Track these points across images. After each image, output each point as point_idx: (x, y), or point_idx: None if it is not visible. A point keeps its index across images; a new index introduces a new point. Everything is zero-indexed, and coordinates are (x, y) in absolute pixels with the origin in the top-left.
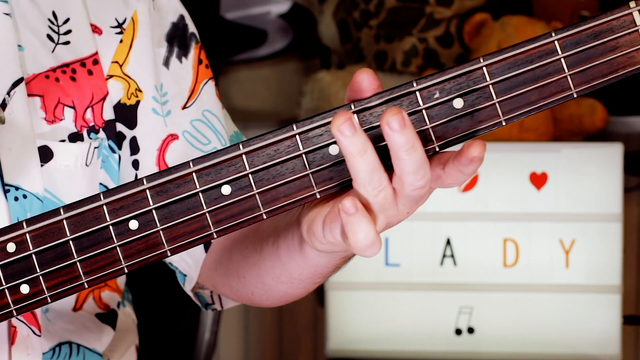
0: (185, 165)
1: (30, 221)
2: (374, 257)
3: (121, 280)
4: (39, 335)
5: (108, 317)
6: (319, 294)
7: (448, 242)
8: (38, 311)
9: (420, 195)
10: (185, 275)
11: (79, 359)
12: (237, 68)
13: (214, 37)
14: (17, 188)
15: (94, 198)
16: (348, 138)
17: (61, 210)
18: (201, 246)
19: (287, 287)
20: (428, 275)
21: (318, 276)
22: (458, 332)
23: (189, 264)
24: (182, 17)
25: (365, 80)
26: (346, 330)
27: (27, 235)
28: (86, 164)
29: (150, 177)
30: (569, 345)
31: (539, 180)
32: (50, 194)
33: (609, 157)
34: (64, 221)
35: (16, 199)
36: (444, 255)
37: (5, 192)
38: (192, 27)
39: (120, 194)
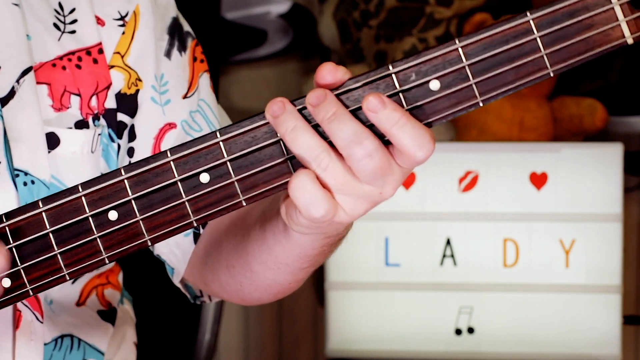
0: (163, 154)
1: (9, 215)
2: (374, 257)
3: (121, 278)
4: (42, 322)
5: (109, 314)
6: (319, 294)
7: (448, 242)
8: (41, 298)
9: (372, 166)
10: (173, 269)
11: (79, 354)
12: (237, 68)
13: (214, 37)
14: (25, 173)
15: (73, 189)
16: (276, 119)
17: (40, 203)
18: (190, 238)
19: (273, 273)
20: (428, 275)
21: (304, 259)
22: (458, 332)
23: (177, 256)
24: (177, 17)
25: (328, 75)
26: (346, 330)
27: (7, 228)
28: (91, 151)
29: (128, 167)
30: (569, 345)
31: (539, 180)
32: (57, 180)
33: (609, 157)
34: (43, 214)
35: (25, 184)
36: (444, 255)
37: (14, 176)
38: (186, 27)
39: (99, 185)
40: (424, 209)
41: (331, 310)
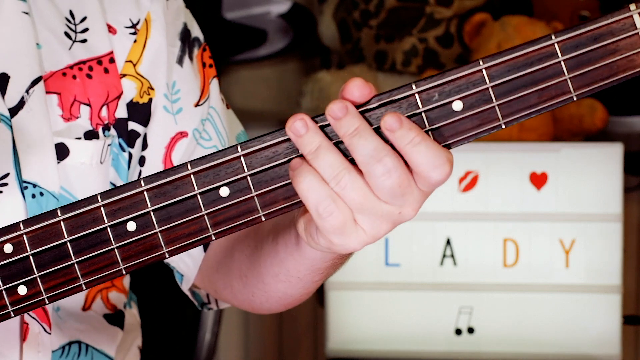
0: (183, 166)
1: (27, 222)
2: (374, 257)
3: (127, 281)
4: (49, 333)
5: (115, 318)
6: (319, 294)
7: (448, 242)
8: (49, 308)
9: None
10: (182, 275)
11: (87, 359)
12: (237, 68)
13: (215, 37)
14: (34, 185)
15: (92, 199)
16: (299, 138)
17: (58, 212)
18: (200, 247)
19: (285, 286)
20: (428, 275)
21: (316, 272)
22: (458, 332)
23: (187, 264)
24: (186, 23)
25: (356, 91)
26: (346, 330)
27: (25, 236)
28: (100, 162)
29: (148, 179)
30: (569, 345)
31: (539, 180)
32: (66, 192)
33: (609, 157)
34: (62, 222)
35: (33, 196)
36: (444, 255)
37: (23, 189)
38: (195, 32)
39: (119, 196)
40: (424, 209)
41: (331, 310)
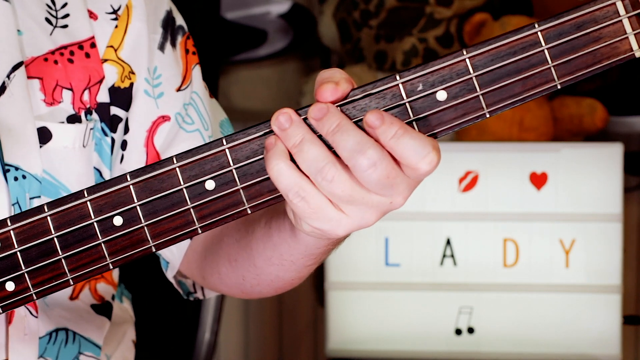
0: (169, 160)
1: (15, 218)
2: (374, 257)
3: (116, 274)
4: (36, 317)
5: (103, 308)
6: (319, 294)
7: (448, 242)
8: None
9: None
10: (168, 263)
11: (74, 347)
12: (237, 68)
13: (214, 37)
14: (16, 168)
15: (78, 194)
16: (283, 132)
17: (45, 207)
18: None
19: (278, 269)
20: (428, 275)
21: (309, 257)
22: (458, 332)
23: (172, 251)
24: (170, 11)
25: (331, 97)
26: (346, 330)
27: (12, 232)
28: (83, 145)
29: (134, 173)
30: (569, 345)
31: (539, 180)
32: (49, 175)
33: (609, 157)
34: (48, 218)
35: (16, 179)
36: (444, 255)
37: (5, 172)
38: (179, 20)
39: (105, 190)
40: (424, 209)
41: (331, 310)
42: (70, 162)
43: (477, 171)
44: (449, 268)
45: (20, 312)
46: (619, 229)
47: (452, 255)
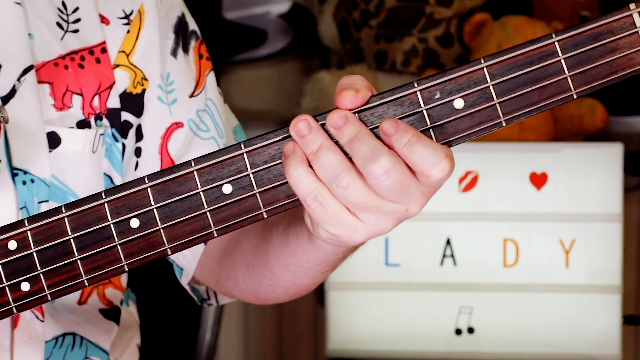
0: (186, 164)
1: (32, 219)
2: (374, 257)
3: (124, 279)
4: (42, 321)
5: (111, 313)
6: (319, 294)
7: (448, 242)
8: None
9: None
10: (182, 269)
11: (81, 351)
12: (237, 68)
13: (215, 37)
14: (25, 172)
15: (96, 196)
16: (302, 138)
17: (63, 209)
18: None
19: (294, 275)
20: (428, 275)
21: (325, 264)
22: (458, 332)
23: (186, 257)
24: (183, 15)
25: (350, 104)
26: (346, 330)
27: (29, 233)
28: (92, 151)
29: (151, 176)
30: (569, 345)
31: (539, 180)
32: (57, 180)
33: (609, 157)
34: (65, 219)
35: (24, 183)
36: (444, 255)
37: (14, 175)
38: (192, 25)
39: (122, 192)
40: (424, 208)
41: (331, 310)
42: (79, 167)
43: (477, 171)
44: (449, 268)
45: (26, 316)
46: (619, 229)
47: (452, 255)
